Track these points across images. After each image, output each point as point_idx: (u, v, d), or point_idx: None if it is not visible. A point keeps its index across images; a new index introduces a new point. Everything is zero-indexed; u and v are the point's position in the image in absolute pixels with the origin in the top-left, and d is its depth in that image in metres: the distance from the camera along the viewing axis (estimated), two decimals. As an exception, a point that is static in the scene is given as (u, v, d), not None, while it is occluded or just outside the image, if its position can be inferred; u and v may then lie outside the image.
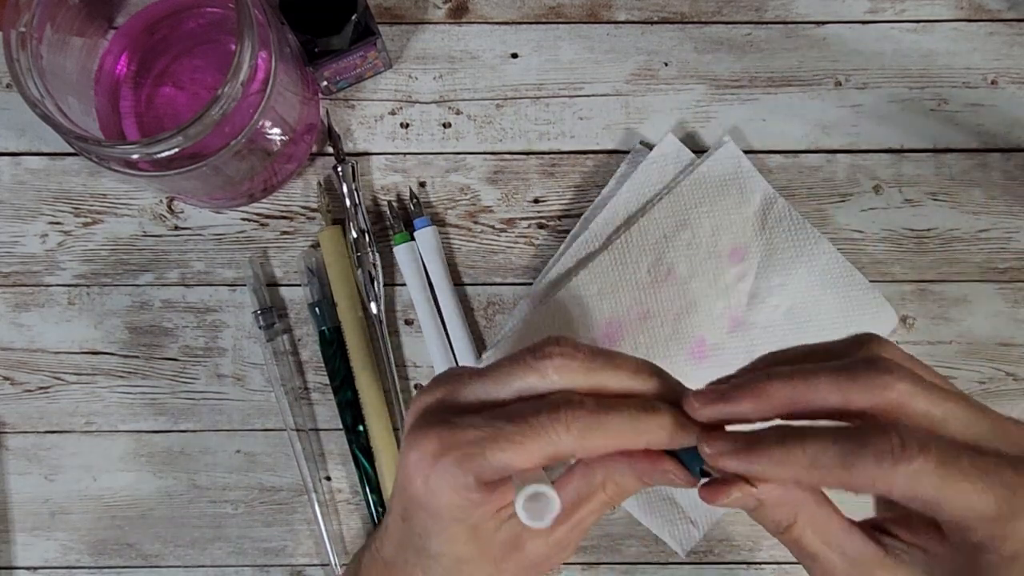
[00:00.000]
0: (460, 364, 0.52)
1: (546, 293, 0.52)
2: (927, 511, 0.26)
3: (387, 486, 0.51)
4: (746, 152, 0.52)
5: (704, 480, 0.30)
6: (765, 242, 0.52)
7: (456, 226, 0.53)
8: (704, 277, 0.51)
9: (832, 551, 0.30)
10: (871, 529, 0.31)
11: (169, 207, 0.53)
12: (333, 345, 0.52)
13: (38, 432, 0.53)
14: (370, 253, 0.51)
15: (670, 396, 0.30)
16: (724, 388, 0.29)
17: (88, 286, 0.53)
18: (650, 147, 0.52)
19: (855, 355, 0.28)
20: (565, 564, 0.52)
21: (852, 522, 0.30)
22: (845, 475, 0.26)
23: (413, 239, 0.52)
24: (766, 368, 0.29)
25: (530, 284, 0.53)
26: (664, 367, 0.51)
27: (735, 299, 0.52)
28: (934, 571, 0.29)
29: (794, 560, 0.53)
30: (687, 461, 0.30)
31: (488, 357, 0.51)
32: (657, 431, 0.29)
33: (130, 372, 0.53)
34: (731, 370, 0.54)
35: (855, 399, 0.27)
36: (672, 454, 0.30)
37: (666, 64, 0.54)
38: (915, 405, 0.26)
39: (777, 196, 0.52)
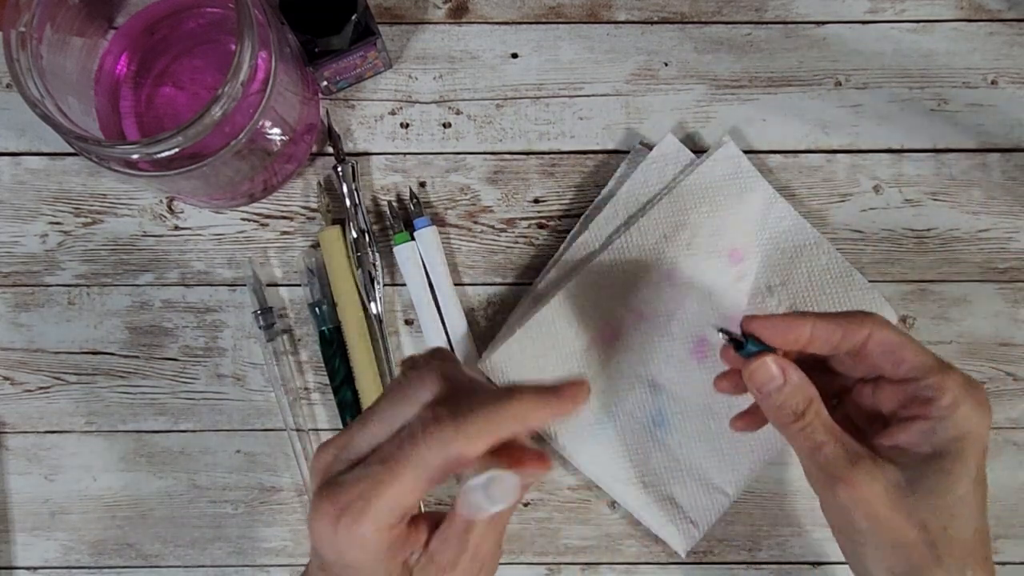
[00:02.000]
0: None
1: (546, 293, 0.52)
2: (893, 358, 0.37)
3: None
4: (746, 152, 0.52)
5: (751, 353, 0.38)
6: (765, 242, 0.52)
7: (456, 226, 0.53)
8: (704, 277, 0.51)
9: (833, 442, 0.37)
10: None
11: (169, 207, 0.53)
12: (333, 345, 0.52)
13: (38, 432, 0.53)
14: (370, 253, 0.51)
15: None
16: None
17: (88, 286, 0.53)
18: (650, 147, 0.52)
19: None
20: (565, 564, 0.52)
21: None
22: (847, 322, 0.38)
23: (413, 239, 0.52)
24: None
25: (530, 284, 0.53)
26: (664, 367, 0.51)
27: (735, 299, 0.52)
28: (902, 464, 0.36)
29: (794, 560, 0.53)
30: (739, 347, 0.38)
31: (487, 357, 0.51)
32: (515, 420, 0.31)
33: (130, 372, 0.53)
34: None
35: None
36: (734, 341, 0.39)
37: (666, 64, 0.54)
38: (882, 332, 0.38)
39: (777, 196, 0.52)
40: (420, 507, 0.34)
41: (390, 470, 0.30)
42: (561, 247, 0.52)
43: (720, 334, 0.39)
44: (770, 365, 0.37)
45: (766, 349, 0.38)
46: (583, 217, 0.53)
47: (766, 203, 0.52)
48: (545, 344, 0.51)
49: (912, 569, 0.37)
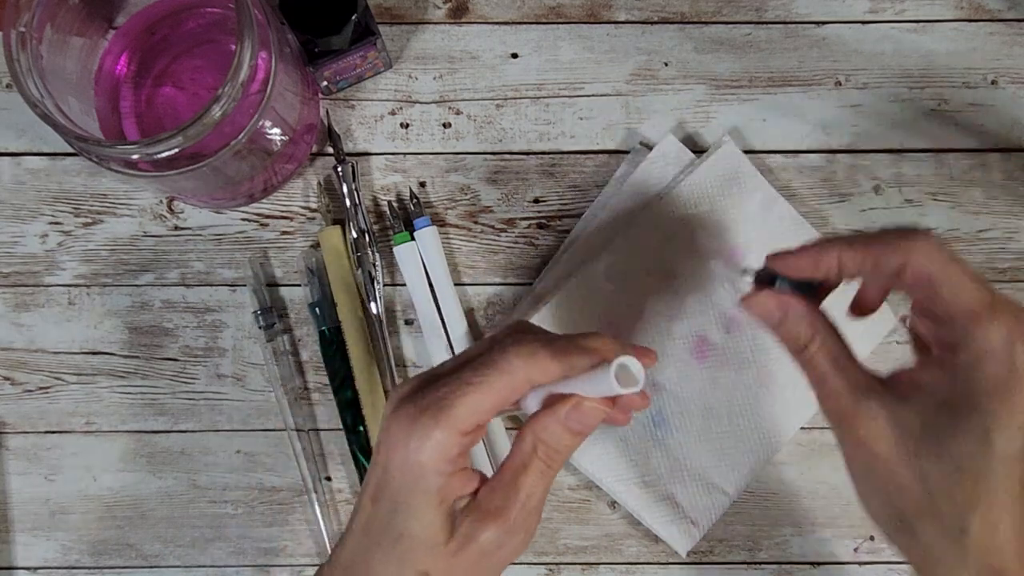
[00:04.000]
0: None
1: (546, 293, 0.52)
2: (929, 293, 0.33)
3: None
4: (746, 152, 0.52)
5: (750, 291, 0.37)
6: (765, 242, 0.52)
7: (456, 226, 0.53)
8: (704, 277, 0.51)
9: (838, 374, 0.34)
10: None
11: (169, 207, 0.53)
12: (333, 345, 0.52)
13: (38, 432, 0.53)
14: (370, 253, 0.51)
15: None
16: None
17: (88, 286, 0.53)
18: (650, 147, 0.52)
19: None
20: (565, 564, 0.52)
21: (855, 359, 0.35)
22: (878, 247, 0.33)
23: (413, 239, 0.52)
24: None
25: (530, 284, 0.53)
26: (665, 367, 0.51)
27: (735, 299, 0.52)
28: (918, 404, 0.33)
29: (794, 560, 0.53)
30: (771, 282, 0.37)
31: None
32: (598, 346, 0.33)
33: (130, 372, 0.53)
34: (733, 369, 0.54)
35: (884, 258, 0.33)
36: (763, 280, 0.37)
37: (666, 64, 0.54)
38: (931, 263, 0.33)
39: (777, 196, 0.52)
40: (470, 460, 0.35)
41: (476, 371, 0.32)
42: (561, 247, 0.52)
43: (745, 275, 0.39)
44: (764, 302, 0.36)
45: (800, 284, 0.37)
46: (583, 217, 0.53)
47: (766, 203, 0.52)
48: None
49: (904, 516, 0.34)
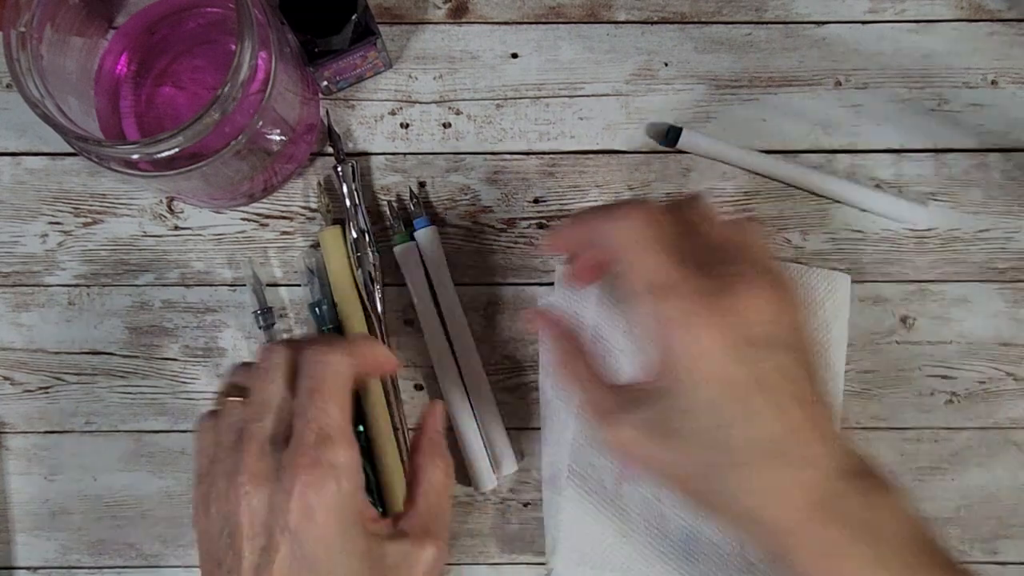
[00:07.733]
0: (458, 364, 0.52)
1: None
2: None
3: (389, 486, 0.51)
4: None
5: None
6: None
7: (456, 226, 0.53)
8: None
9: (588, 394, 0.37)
10: None
11: (169, 207, 0.53)
12: (333, 345, 0.52)
13: (38, 432, 0.53)
14: (370, 253, 0.51)
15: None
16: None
17: (88, 286, 0.53)
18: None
19: None
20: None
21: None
22: (592, 224, 0.34)
23: (413, 239, 0.52)
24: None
25: (530, 284, 0.53)
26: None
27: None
28: (648, 402, 0.34)
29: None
30: None
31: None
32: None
33: (130, 372, 0.53)
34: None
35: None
36: None
37: (666, 64, 0.54)
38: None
39: None
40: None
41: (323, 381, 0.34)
42: (561, 247, 0.52)
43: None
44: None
45: None
46: (583, 217, 0.53)
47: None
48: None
49: (709, 491, 0.33)
